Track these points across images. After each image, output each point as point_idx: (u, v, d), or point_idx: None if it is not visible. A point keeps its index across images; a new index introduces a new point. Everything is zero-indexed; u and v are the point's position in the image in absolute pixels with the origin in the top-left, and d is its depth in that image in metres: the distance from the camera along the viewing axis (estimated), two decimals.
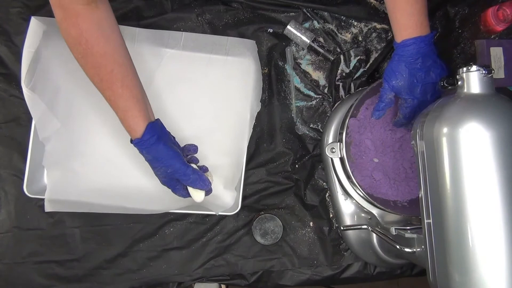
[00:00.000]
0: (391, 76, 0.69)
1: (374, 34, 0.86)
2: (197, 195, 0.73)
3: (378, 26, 0.86)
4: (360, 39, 0.86)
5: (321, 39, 0.86)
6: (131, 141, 0.69)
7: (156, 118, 0.71)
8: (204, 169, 0.76)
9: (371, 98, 0.78)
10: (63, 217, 0.82)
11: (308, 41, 0.84)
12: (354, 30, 0.86)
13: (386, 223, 0.77)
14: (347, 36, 0.86)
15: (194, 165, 0.73)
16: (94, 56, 0.63)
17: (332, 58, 0.85)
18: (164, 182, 0.72)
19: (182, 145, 0.76)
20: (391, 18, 0.70)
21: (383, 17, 0.86)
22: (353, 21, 0.86)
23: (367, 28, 0.86)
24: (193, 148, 0.76)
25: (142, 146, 0.68)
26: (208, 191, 0.74)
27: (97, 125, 0.82)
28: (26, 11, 0.82)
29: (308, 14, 0.86)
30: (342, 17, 0.86)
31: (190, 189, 0.73)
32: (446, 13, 0.87)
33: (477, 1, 0.87)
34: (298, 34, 0.84)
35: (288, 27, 0.84)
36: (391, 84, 0.70)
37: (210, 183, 0.73)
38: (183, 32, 0.82)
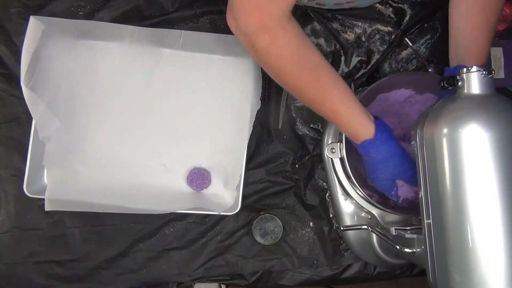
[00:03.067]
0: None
1: (377, 36, 0.86)
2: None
3: (382, 28, 0.86)
4: (363, 39, 0.86)
5: (321, 40, 0.86)
6: (358, 145, 0.65)
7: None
8: None
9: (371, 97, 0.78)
10: (63, 217, 0.82)
11: None
12: (358, 30, 0.86)
13: (386, 223, 0.77)
14: (350, 36, 0.86)
15: None
16: (309, 69, 0.59)
17: None
18: (383, 185, 0.68)
19: None
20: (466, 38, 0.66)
21: (388, 21, 0.86)
22: (357, 21, 0.86)
23: (371, 29, 0.86)
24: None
25: (376, 144, 0.63)
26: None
27: (97, 124, 0.82)
28: (26, 11, 0.82)
29: (311, 14, 0.86)
30: (346, 18, 0.86)
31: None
32: (446, 13, 0.87)
33: None
34: None
35: None
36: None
37: None
38: (182, 31, 0.82)
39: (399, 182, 0.67)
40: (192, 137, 0.84)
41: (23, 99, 0.75)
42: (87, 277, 0.82)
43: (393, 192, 0.69)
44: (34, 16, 0.76)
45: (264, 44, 0.56)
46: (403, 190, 0.68)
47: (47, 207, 0.76)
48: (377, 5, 0.86)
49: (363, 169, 0.75)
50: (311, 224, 0.86)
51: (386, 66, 0.87)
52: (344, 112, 0.63)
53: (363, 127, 0.63)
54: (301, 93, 0.62)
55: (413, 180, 0.65)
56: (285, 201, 0.86)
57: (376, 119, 0.65)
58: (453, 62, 0.68)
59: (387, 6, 0.86)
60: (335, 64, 0.86)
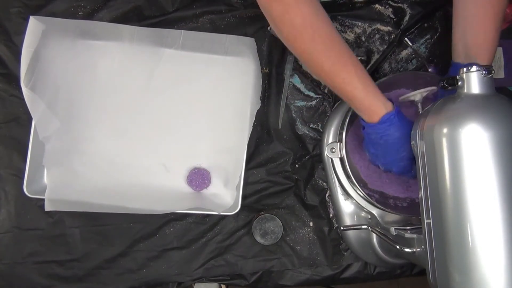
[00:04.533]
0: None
1: (377, 36, 0.86)
2: None
3: (382, 27, 0.86)
4: (363, 39, 0.86)
5: None
6: (370, 126, 0.63)
7: None
8: None
9: None
10: (63, 217, 0.82)
11: None
12: (358, 30, 0.86)
13: (386, 223, 0.77)
14: (350, 36, 0.86)
15: None
16: (323, 37, 0.60)
17: None
18: (400, 166, 0.66)
19: None
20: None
21: (388, 21, 0.86)
22: (357, 21, 0.86)
23: (370, 28, 0.86)
24: None
25: (395, 120, 0.61)
26: None
27: (97, 124, 0.82)
28: (26, 11, 0.82)
29: None
30: (346, 18, 0.86)
31: None
32: (446, 13, 0.87)
33: None
34: None
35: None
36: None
37: None
38: (182, 31, 0.82)
39: None
40: (192, 137, 0.84)
41: (23, 99, 0.75)
42: (87, 277, 0.82)
43: (413, 171, 0.67)
44: (34, 16, 0.76)
45: (277, 12, 0.59)
46: None
47: (47, 207, 0.76)
48: (377, 5, 0.86)
49: (367, 162, 0.75)
50: (311, 224, 0.86)
51: (386, 66, 0.87)
52: (361, 85, 0.61)
53: (379, 102, 0.61)
54: (315, 63, 0.62)
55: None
56: (285, 201, 0.86)
57: None
58: (460, 58, 0.67)
59: (387, 6, 0.86)
60: None
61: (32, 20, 0.76)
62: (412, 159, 0.65)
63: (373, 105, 0.62)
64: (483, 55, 0.65)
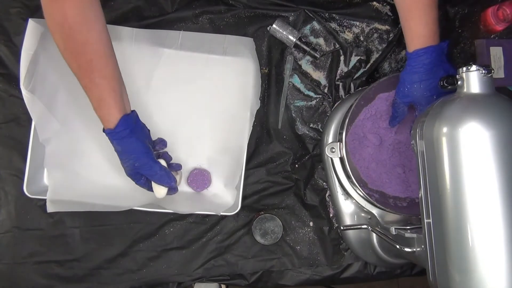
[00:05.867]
0: (403, 91, 0.69)
1: (375, 35, 0.86)
2: (159, 191, 0.72)
3: (380, 26, 0.86)
4: (361, 39, 0.86)
5: (321, 39, 0.86)
6: (103, 131, 0.68)
7: (132, 110, 0.70)
8: (175, 166, 0.76)
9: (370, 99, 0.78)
10: (63, 217, 0.82)
11: (294, 40, 0.83)
12: (356, 30, 0.86)
13: (386, 223, 0.77)
14: (349, 36, 0.86)
15: (162, 161, 0.72)
16: (75, 43, 0.63)
17: (319, 56, 0.85)
18: (129, 175, 0.72)
19: (169, 139, 0.76)
20: (405, 26, 0.69)
21: (385, 19, 0.86)
22: (355, 21, 0.86)
23: (368, 28, 0.86)
24: (162, 142, 0.75)
25: (114, 137, 0.67)
26: (173, 190, 0.74)
27: (97, 125, 0.82)
28: (25, 12, 0.82)
29: (310, 14, 0.86)
30: (344, 17, 0.86)
31: (153, 184, 0.72)
32: (446, 13, 0.87)
33: (477, 1, 0.87)
34: (284, 32, 0.83)
35: (274, 25, 0.83)
36: (404, 100, 0.70)
37: (175, 181, 0.73)
38: (181, 31, 0.82)
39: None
40: (192, 138, 0.84)
41: (23, 99, 0.75)
42: (87, 277, 0.82)
43: (144, 185, 0.72)
44: (33, 18, 0.76)
45: (44, 1, 0.62)
46: (156, 191, 0.72)
47: (49, 209, 0.76)
48: (374, 3, 0.86)
49: (367, 162, 0.75)
50: (311, 224, 0.86)
51: (386, 65, 0.87)
52: (98, 96, 0.65)
53: (109, 116, 0.66)
54: (65, 58, 0.65)
55: (156, 178, 0.70)
56: (285, 201, 0.86)
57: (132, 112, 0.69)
58: (409, 47, 0.68)
59: (384, 4, 0.86)
60: (335, 64, 0.86)
61: (31, 23, 0.76)
62: (139, 174, 0.71)
63: (102, 117, 0.67)
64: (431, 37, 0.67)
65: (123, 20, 0.83)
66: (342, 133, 0.75)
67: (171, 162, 0.76)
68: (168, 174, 0.71)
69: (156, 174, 0.70)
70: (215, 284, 0.86)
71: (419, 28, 0.67)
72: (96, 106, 0.67)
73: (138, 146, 0.68)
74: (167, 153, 0.76)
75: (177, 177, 0.75)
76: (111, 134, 0.67)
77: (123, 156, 0.69)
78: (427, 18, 0.66)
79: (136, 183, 0.73)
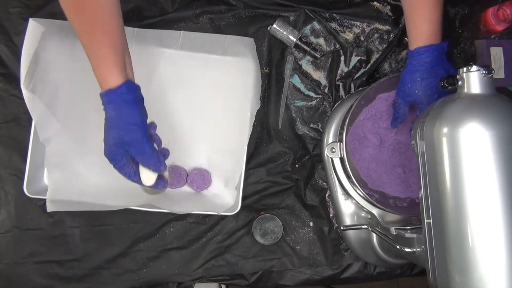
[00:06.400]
0: (404, 90, 0.69)
1: (376, 35, 0.86)
2: (148, 176, 0.64)
3: (381, 27, 0.86)
4: (362, 39, 0.86)
5: (321, 39, 0.86)
6: (101, 93, 0.61)
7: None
8: (164, 151, 0.69)
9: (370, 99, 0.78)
10: (63, 217, 0.82)
11: (294, 40, 0.84)
12: (356, 30, 0.86)
13: (386, 223, 0.77)
14: (349, 36, 0.86)
15: (155, 145, 0.66)
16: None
17: (319, 56, 0.85)
18: (110, 151, 0.63)
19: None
20: (409, 23, 0.69)
21: (386, 20, 0.86)
22: (355, 21, 0.86)
23: (369, 28, 0.86)
24: (153, 125, 0.68)
25: (114, 99, 0.60)
26: (162, 182, 0.67)
27: (97, 125, 0.82)
28: (26, 11, 0.82)
29: (310, 14, 0.86)
30: (344, 17, 0.86)
31: (141, 169, 0.64)
32: (446, 13, 0.87)
33: (477, 1, 0.87)
34: (284, 32, 0.83)
35: (274, 25, 0.83)
36: (405, 99, 0.70)
37: (165, 166, 0.65)
38: (181, 31, 0.82)
39: (141, 167, 0.64)
40: (192, 138, 0.84)
41: (23, 99, 0.75)
42: (87, 277, 0.82)
43: (135, 178, 0.65)
44: (33, 18, 0.76)
45: None
46: (144, 177, 0.64)
47: (49, 209, 0.76)
48: (375, 3, 0.86)
49: (367, 162, 0.75)
50: (311, 224, 0.86)
51: (386, 66, 0.87)
52: (99, 53, 0.59)
53: (109, 75, 0.59)
54: (68, 14, 0.60)
55: (144, 158, 0.63)
56: (285, 201, 0.86)
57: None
58: (412, 45, 0.68)
59: (385, 4, 0.86)
60: (335, 64, 0.86)
61: (32, 23, 0.76)
62: (125, 153, 0.63)
63: (101, 76, 0.60)
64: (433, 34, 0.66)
65: (124, 20, 0.82)
66: (342, 133, 0.75)
67: (163, 147, 0.70)
68: (158, 157, 0.64)
69: (145, 152, 0.62)
70: (215, 284, 0.86)
71: (423, 25, 0.66)
72: (95, 64, 0.60)
73: (136, 116, 0.61)
74: (157, 135, 0.68)
75: (165, 174, 0.68)
76: (111, 94, 0.59)
77: (114, 123, 0.61)
78: (432, 17, 0.66)
79: (114, 166, 0.64)
